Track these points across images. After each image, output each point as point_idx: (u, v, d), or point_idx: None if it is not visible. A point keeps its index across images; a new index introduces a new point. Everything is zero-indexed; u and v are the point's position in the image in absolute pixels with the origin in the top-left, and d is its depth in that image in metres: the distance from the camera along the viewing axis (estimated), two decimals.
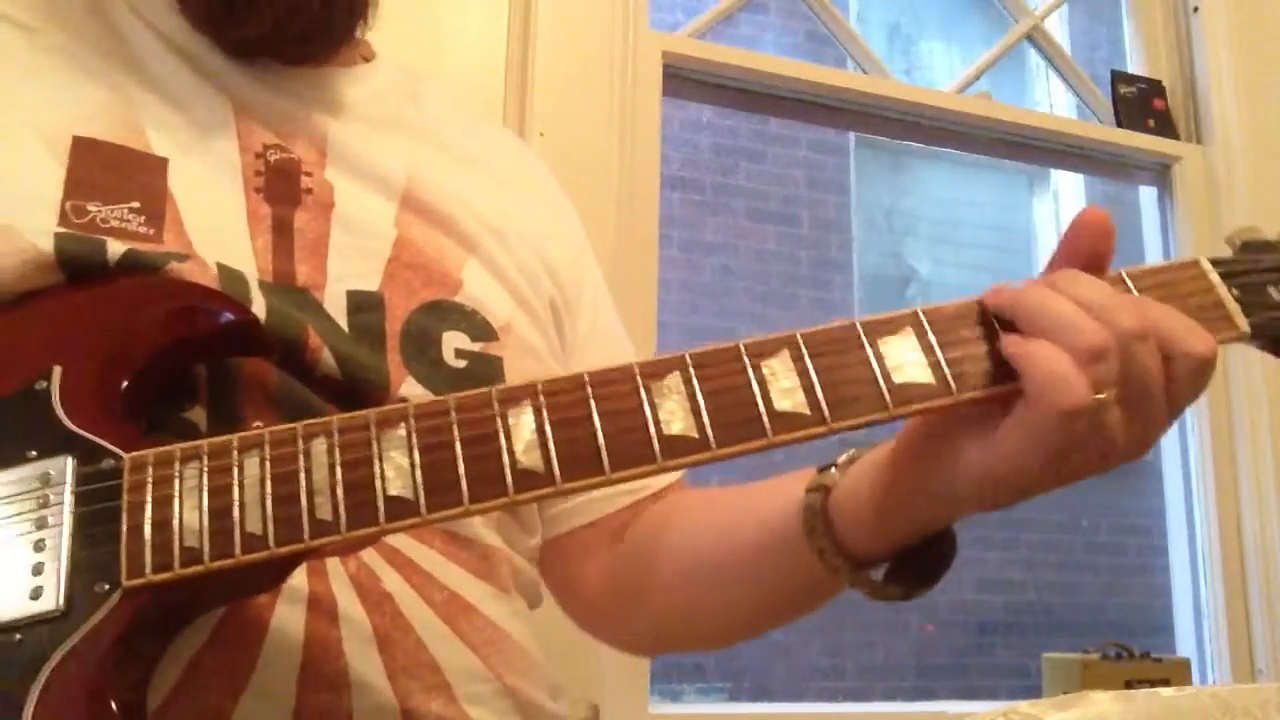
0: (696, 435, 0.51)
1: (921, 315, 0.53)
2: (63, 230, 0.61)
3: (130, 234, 0.62)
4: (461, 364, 0.69)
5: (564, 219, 0.88)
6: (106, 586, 0.50)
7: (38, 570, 0.51)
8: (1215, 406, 1.93)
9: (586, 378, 0.53)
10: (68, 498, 0.52)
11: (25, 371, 0.56)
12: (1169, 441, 2.01)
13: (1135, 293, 0.54)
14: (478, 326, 0.71)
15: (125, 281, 0.61)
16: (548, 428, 0.51)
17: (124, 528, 0.51)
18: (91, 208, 0.62)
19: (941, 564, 0.59)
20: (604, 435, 0.51)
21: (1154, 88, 2.07)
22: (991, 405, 0.52)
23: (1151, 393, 0.51)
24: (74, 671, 0.48)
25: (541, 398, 0.52)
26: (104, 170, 0.64)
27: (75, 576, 0.50)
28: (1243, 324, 0.54)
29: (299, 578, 0.59)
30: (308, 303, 0.66)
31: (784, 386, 0.52)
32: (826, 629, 4.02)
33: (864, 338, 0.53)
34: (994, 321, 0.53)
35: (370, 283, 0.68)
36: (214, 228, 0.66)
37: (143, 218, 0.63)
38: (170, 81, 0.70)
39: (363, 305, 0.67)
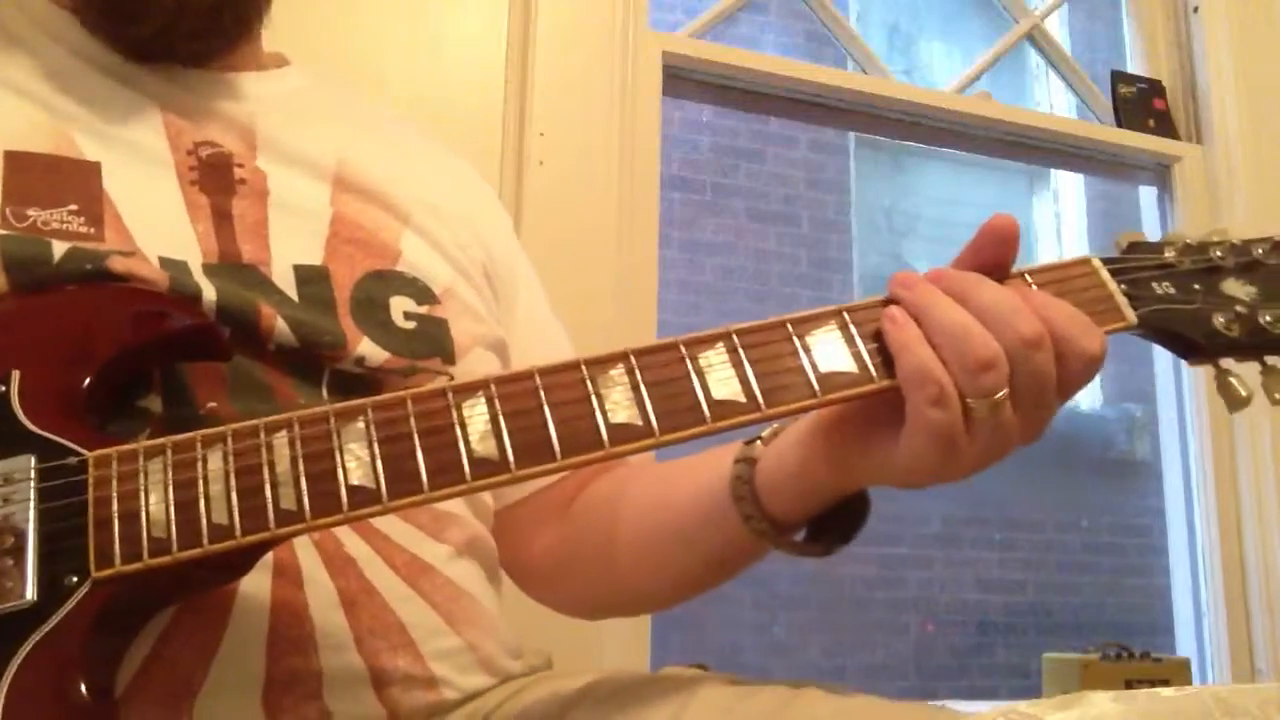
0: (641, 423, 0.55)
1: (844, 311, 0.58)
2: (5, 233, 0.62)
3: (72, 234, 0.64)
4: (411, 325, 0.72)
5: (497, 215, 0.91)
6: (75, 578, 0.51)
7: (5, 565, 0.51)
8: (1215, 406, 1.93)
9: (536, 372, 0.56)
10: (32, 494, 0.53)
11: None
12: (1169, 441, 2.01)
13: (1034, 288, 0.58)
14: (421, 291, 0.74)
15: (82, 288, 0.62)
16: (501, 419, 0.54)
17: (91, 521, 0.52)
18: (31, 213, 0.64)
19: (857, 522, 0.64)
20: (554, 424, 0.54)
21: (1154, 88, 2.07)
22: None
23: (1044, 389, 0.55)
24: (45, 661, 0.49)
25: (494, 389, 0.55)
26: (38, 179, 0.65)
27: (44, 570, 0.51)
28: (1131, 316, 0.60)
29: None
30: (256, 278, 0.68)
31: (721, 377, 0.56)
32: (826, 629, 4.02)
33: (792, 331, 0.57)
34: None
35: (313, 258, 0.71)
36: (154, 220, 0.67)
37: (82, 218, 0.65)
38: (95, 92, 0.72)
39: (310, 277, 0.70)
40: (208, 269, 0.66)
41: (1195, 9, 2.07)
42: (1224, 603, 1.87)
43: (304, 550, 0.63)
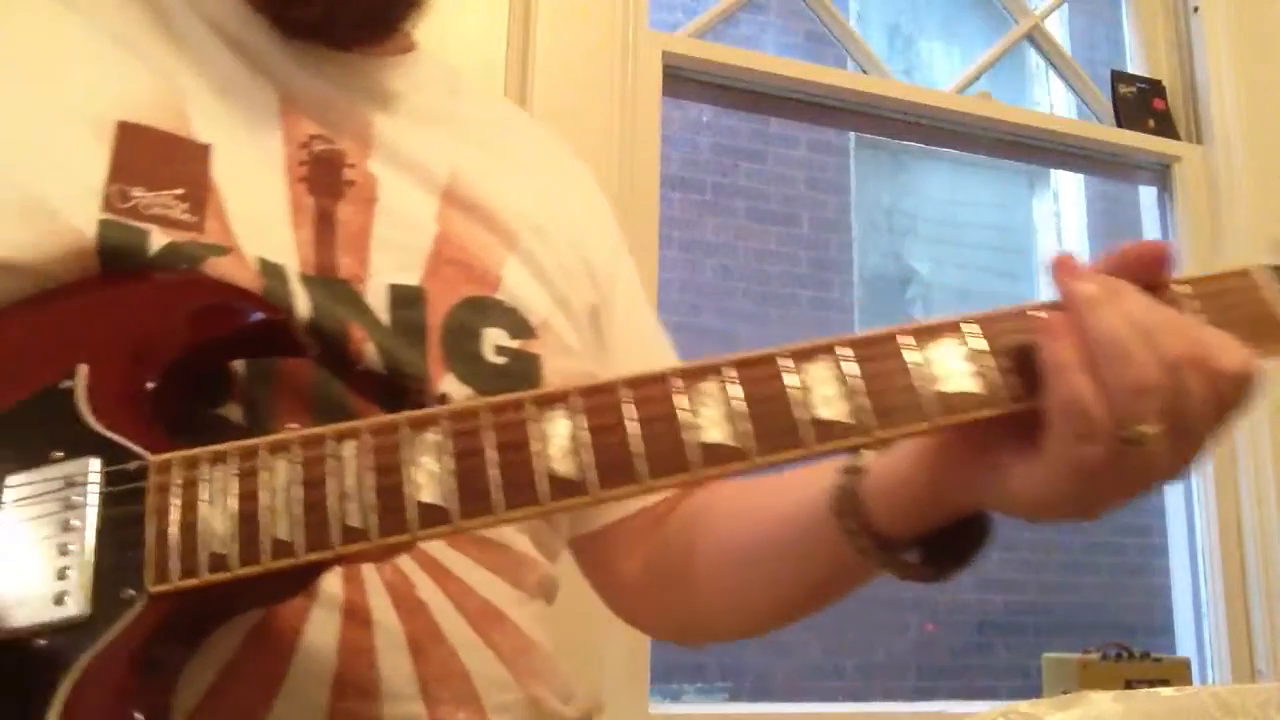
0: (735, 443, 0.50)
1: (968, 321, 0.52)
2: (107, 217, 0.60)
3: (173, 221, 0.62)
4: (501, 360, 0.69)
5: (601, 216, 0.87)
6: (132, 592, 0.49)
7: (62, 574, 0.50)
8: None
9: (622, 382, 0.51)
10: (92, 500, 0.51)
11: (50, 370, 0.55)
12: None
13: (1180, 302, 0.52)
14: (517, 324, 0.71)
15: (153, 278, 0.60)
16: (582, 434, 0.50)
17: (149, 532, 0.50)
18: (135, 193, 0.62)
19: (975, 545, 0.59)
20: (640, 442, 0.50)
21: (1154, 88, 2.07)
22: (1038, 417, 0.50)
23: (1195, 417, 0.49)
24: (98, 678, 0.48)
25: (576, 400, 0.51)
26: (148, 157, 0.63)
27: (100, 581, 0.50)
28: None
29: (334, 584, 0.59)
30: (349, 296, 0.66)
31: (825, 394, 0.50)
32: (826, 629, 4.02)
33: (908, 344, 0.51)
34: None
35: (411, 277, 0.68)
36: (256, 217, 0.65)
37: (186, 205, 0.63)
38: (217, 69, 0.69)
39: (404, 300, 0.67)
40: (304, 279, 0.64)
41: (1195, 9, 2.07)
42: (1224, 603, 1.87)
43: (374, 591, 0.60)
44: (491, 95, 0.89)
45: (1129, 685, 1.56)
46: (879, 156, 4.75)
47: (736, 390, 0.51)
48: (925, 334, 0.52)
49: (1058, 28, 2.57)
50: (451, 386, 0.66)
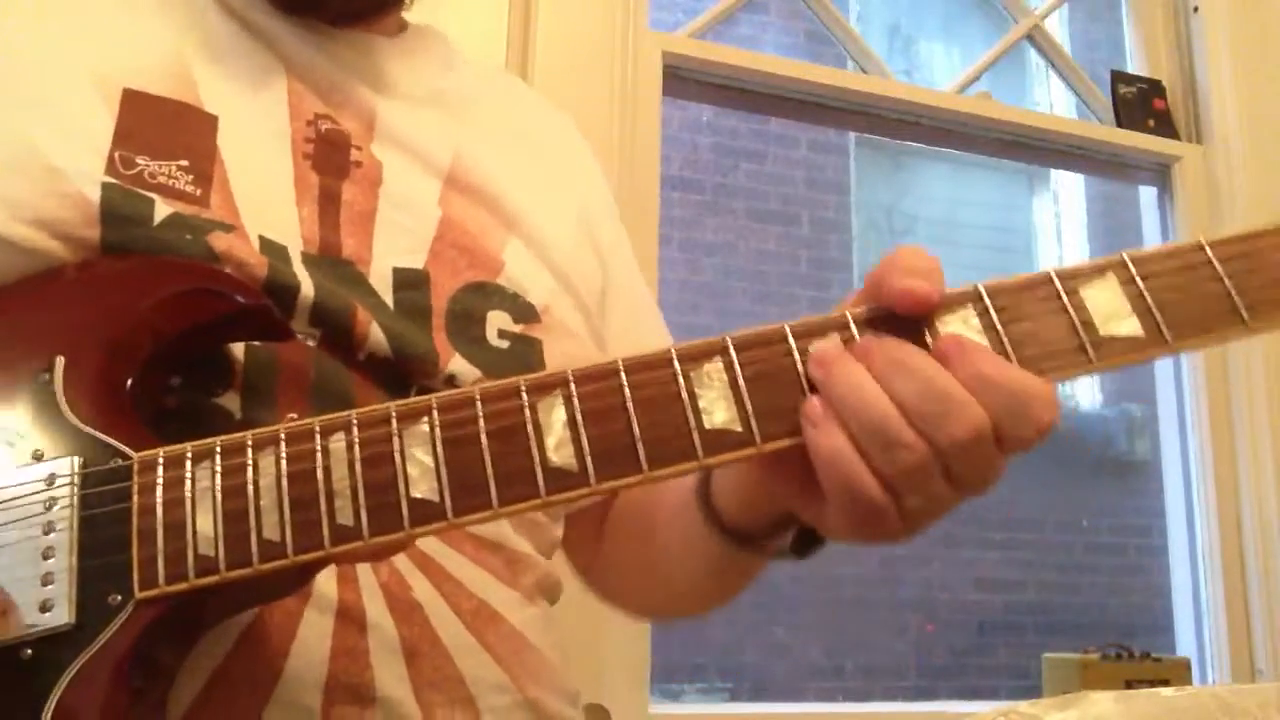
0: (740, 428, 0.48)
1: (983, 291, 0.49)
2: (110, 180, 0.59)
3: (177, 192, 0.61)
4: (504, 344, 0.69)
5: (600, 188, 0.87)
6: (119, 598, 0.48)
7: (46, 580, 0.48)
8: (1215, 406, 1.92)
9: (621, 364, 0.49)
10: (74, 500, 0.50)
11: (28, 360, 0.54)
12: (1169, 441, 2.01)
13: (975, 349, 0.48)
14: (520, 308, 0.71)
15: (131, 262, 0.58)
16: (580, 421, 0.48)
17: (134, 534, 0.49)
18: (140, 160, 0.61)
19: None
20: (640, 429, 0.48)
21: (1154, 88, 2.07)
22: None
23: (984, 472, 0.47)
24: (89, 689, 0.46)
25: (573, 387, 0.49)
26: (154, 124, 0.62)
27: (85, 587, 0.48)
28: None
29: (328, 585, 0.58)
30: (353, 277, 0.65)
31: None
32: (826, 629, 4.02)
33: (924, 323, 0.49)
34: None
35: (416, 260, 0.68)
36: (260, 192, 0.64)
37: (190, 176, 0.62)
38: (226, 42, 0.69)
39: (408, 282, 0.67)
40: (306, 259, 0.63)
41: (1195, 9, 2.07)
42: (1224, 603, 1.87)
43: (369, 592, 0.60)
44: (488, 67, 0.89)
45: (1129, 685, 1.56)
46: (879, 156, 4.75)
47: (740, 370, 0.48)
48: (946, 303, 0.49)
49: (1058, 28, 2.57)
50: (460, 367, 0.66)
